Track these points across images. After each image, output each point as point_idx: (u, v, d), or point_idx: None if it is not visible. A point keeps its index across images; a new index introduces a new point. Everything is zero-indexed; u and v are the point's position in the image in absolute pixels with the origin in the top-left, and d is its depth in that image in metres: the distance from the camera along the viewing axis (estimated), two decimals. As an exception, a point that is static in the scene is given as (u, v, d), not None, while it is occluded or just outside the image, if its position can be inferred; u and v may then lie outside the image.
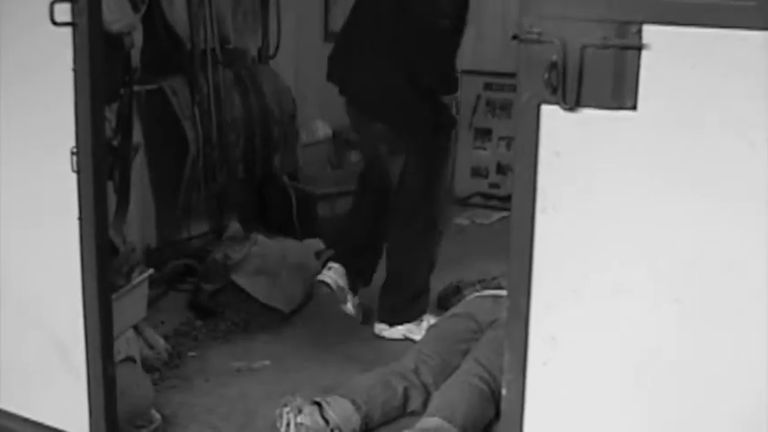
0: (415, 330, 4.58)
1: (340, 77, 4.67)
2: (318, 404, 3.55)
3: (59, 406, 3.47)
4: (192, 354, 4.42)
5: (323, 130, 6.82)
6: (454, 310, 4.42)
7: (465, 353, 3.97)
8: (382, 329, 4.68)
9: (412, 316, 4.66)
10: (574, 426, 2.46)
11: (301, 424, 3.47)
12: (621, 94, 2.21)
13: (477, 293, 4.54)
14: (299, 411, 3.50)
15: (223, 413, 3.87)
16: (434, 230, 4.63)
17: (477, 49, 6.88)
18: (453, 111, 4.65)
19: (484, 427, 3.68)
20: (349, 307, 4.67)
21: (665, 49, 2.15)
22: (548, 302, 2.39)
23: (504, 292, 3.98)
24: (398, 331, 4.64)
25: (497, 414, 3.52)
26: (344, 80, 4.66)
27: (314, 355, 4.45)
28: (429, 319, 4.58)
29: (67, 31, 3.08)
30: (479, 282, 4.85)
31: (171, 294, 5.10)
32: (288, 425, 3.50)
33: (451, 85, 4.60)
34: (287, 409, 3.52)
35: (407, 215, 4.62)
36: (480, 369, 3.77)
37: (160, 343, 4.30)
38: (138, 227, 5.19)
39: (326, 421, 3.52)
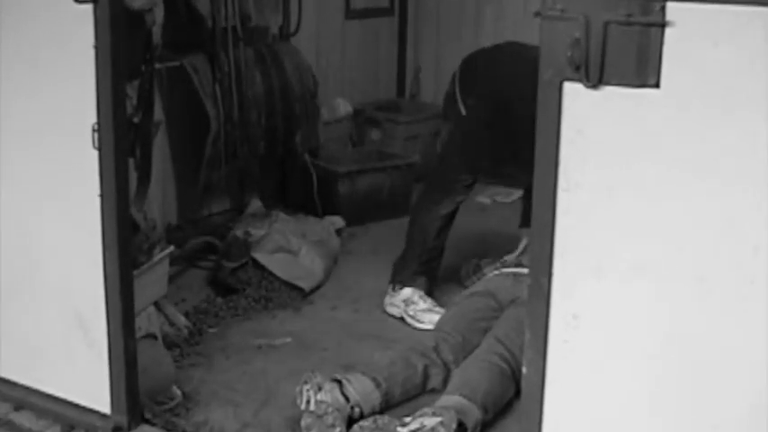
0: (407, 314, 4.60)
1: None
2: (338, 381, 3.56)
3: (81, 382, 3.49)
4: (213, 331, 4.43)
5: (344, 107, 6.81)
6: (474, 288, 4.41)
7: (485, 331, 3.97)
8: (386, 298, 4.73)
9: (400, 278, 4.71)
10: (594, 404, 2.46)
11: (321, 401, 3.48)
12: (645, 71, 2.19)
13: (497, 271, 4.53)
14: (319, 389, 3.51)
15: (244, 390, 3.88)
16: (434, 197, 4.73)
17: (498, 26, 6.85)
18: None
19: (504, 405, 3.68)
20: None
21: (689, 27, 2.14)
22: (569, 281, 2.39)
23: (524, 270, 3.99)
24: (396, 306, 4.66)
25: (518, 392, 3.52)
26: None
27: (334, 333, 4.45)
28: (419, 301, 4.61)
29: (89, 8, 3.08)
30: (500, 260, 4.85)
31: (192, 271, 5.11)
32: (308, 402, 3.51)
33: None
34: (307, 386, 3.53)
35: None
36: (501, 347, 3.77)
37: (181, 320, 4.31)
38: (160, 204, 5.20)
39: (347, 398, 3.52)
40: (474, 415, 3.49)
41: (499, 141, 4.52)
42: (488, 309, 4.13)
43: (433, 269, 4.76)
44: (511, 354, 3.72)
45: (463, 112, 4.63)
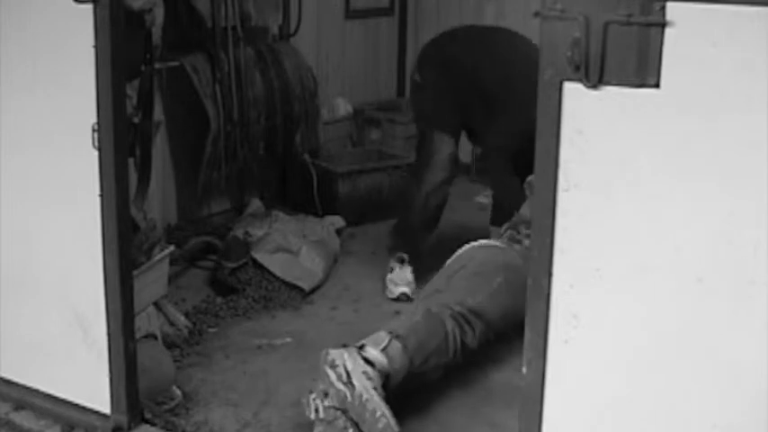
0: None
1: None
2: (357, 349, 3.52)
3: (81, 382, 3.49)
4: (213, 331, 4.43)
5: (344, 107, 6.82)
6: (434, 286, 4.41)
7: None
8: (389, 276, 4.93)
9: (396, 245, 4.99)
10: (594, 404, 2.46)
11: (329, 407, 3.45)
12: (645, 71, 2.19)
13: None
14: (326, 395, 3.48)
15: (244, 390, 3.88)
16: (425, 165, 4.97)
17: (499, 26, 6.84)
18: None
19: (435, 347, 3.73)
20: None
21: (689, 27, 2.14)
22: (570, 281, 2.39)
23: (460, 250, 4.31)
24: (400, 285, 4.84)
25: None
26: None
27: (334, 333, 4.45)
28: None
29: (89, 8, 3.08)
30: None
31: (192, 271, 5.11)
32: (317, 411, 3.48)
33: None
34: (313, 395, 3.49)
35: None
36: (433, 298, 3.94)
37: (181, 320, 4.31)
38: (159, 204, 5.20)
39: (371, 363, 3.49)
40: (381, 338, 3.58)
41: (461, 101, 4.87)
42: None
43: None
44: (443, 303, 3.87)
45: (419, 80, 5.00)
